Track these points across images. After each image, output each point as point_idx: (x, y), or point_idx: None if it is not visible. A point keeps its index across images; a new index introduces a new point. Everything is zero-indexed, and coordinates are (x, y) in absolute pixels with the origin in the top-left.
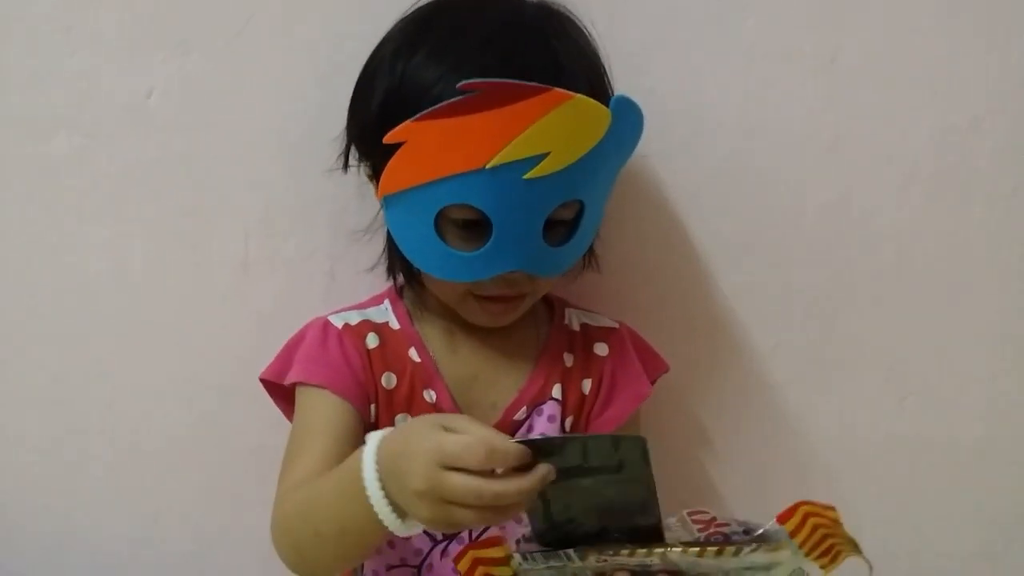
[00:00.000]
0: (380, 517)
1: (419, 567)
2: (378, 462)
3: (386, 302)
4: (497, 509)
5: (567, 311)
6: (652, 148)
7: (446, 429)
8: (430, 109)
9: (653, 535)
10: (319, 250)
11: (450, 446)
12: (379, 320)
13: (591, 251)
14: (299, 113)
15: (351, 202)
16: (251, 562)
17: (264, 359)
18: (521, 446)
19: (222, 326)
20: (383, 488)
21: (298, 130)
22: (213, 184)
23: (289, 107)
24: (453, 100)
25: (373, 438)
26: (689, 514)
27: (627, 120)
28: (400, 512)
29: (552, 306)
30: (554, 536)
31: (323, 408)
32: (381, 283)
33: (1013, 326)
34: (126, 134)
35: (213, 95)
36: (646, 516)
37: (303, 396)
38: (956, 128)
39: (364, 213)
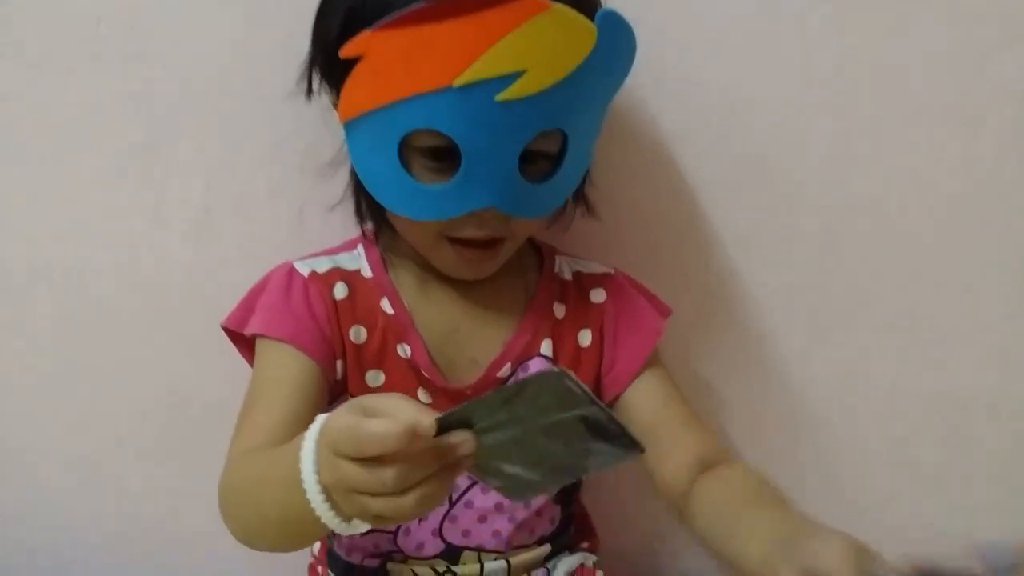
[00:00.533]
0: (317, 513)
1: (395, 531)
2: (317, 452)
3: (359, 247)
4: (411, 493)
5: (558, 259)
6: (644, 81)
7: (366, 412)
8: (393, 15)
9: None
10: (287, 189)
11: (332, 433)
12: (350, 267)
13: (583, 196)
14: (264, 37)
15: (322, 136)
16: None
17: (229, 306)
18: (389, 426)
19: (183, 273)
20: (320, 482)
21: (263, 56)
22: (170, 119)
23: (253, 31)
24: (416, 6)
25: (317, 423)
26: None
27: (615, 39)
28: (339, 508)
29: (541, 254)
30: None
31: (281, 363)
32: (355, 225)
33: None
34: (73, 67)
35: (169, 21)
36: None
37: (263, 349)
38: (964, 60)
39: (334, 148)
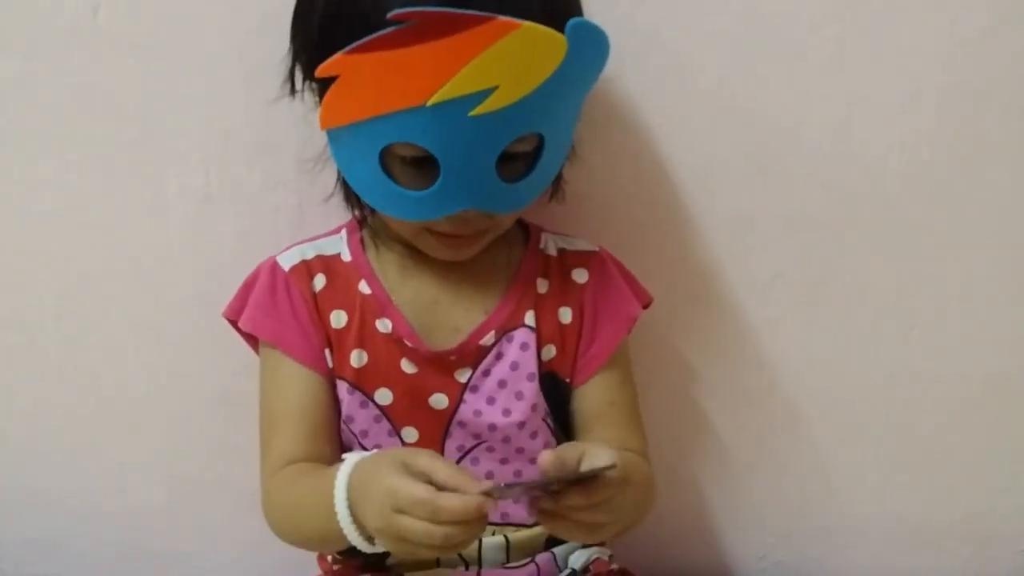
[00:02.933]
0: (352, 543)
1: None
2: (349, 490)
3: (343, 232)
4: (453, 543)
5: (543, 235)
6: (640, 67)
7: (407, 467)
8: (363, 41)
9: None
10: (286, 180)
11: (401, 498)
12: (331, 252)
13: (558, 178)
14: (261, 30)
15: (316, 128)
16: (224, 512)
17: (228, 297)
18: (467, 503)
19: (183, 265)
20: (352, 515)
21: (260, 49)
22: (169, 111)
23: (250, 24)
24: (386, 31)
25: (348, 462)
26: None
27: (587, 46)
28: (370, 536)
29: (527, 230)
30: None
31: (285, 380)
32: (350, 213)
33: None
34: (71, 57)
35: (167, 11)
36: None
37: (264, 356)
38: (965, 40)
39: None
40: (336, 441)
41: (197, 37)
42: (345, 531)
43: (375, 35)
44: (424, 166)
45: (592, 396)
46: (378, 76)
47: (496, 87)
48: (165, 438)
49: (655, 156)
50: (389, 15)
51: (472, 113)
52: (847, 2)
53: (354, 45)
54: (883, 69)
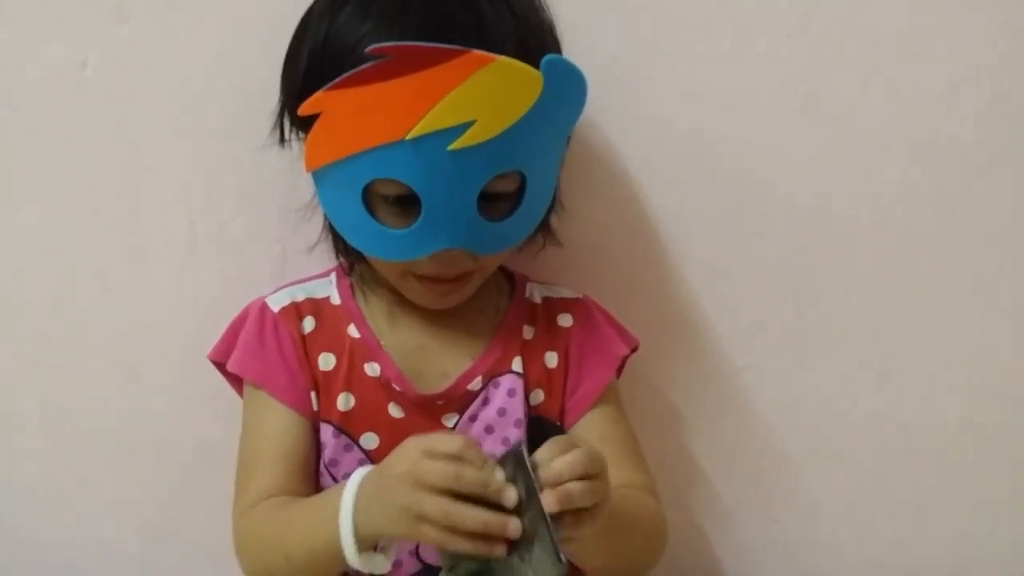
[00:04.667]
0: (345, 552)
1: None
2: (357, 497)
3: (332, 276)
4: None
5: (529, 285)
6: (615, 118)
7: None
8: (342, 77)
9: None
10: (268, 229)
11: (433, 439)
12: (321, 295)
13: (547, 225)
14: (244, 84)
15: (300, 177)
16: (201, 561)
17: (211, 344)
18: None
19: (167, 312)
20: (354, 522)
21: (242, 102)
22: (154, 161)
23: (233, 78)
24: (364, 67)
25: (358, 474)
26: None
27: (562, 83)
28: (361, 547)
29: (513, 280)
30: None
31: (270, 421)
32: (333, 261)
33: (997, 303)
34: (59, 107)
35: (153, 66)
36: None
37: (249, 397)
38: (933, 95)
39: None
40: (313, 486)
41: (181, 90)
42: (343, 535)
43: (354, 71)
44: (406, 205)
45: (582, 434)
46: (358, 112)
47: (474, 121)
48: (141, 484)
49: (634, 205)
50: (367, 49)
51: (451, 147)
52: (818, 57)
53: (334, 81)
54: (854, 122)
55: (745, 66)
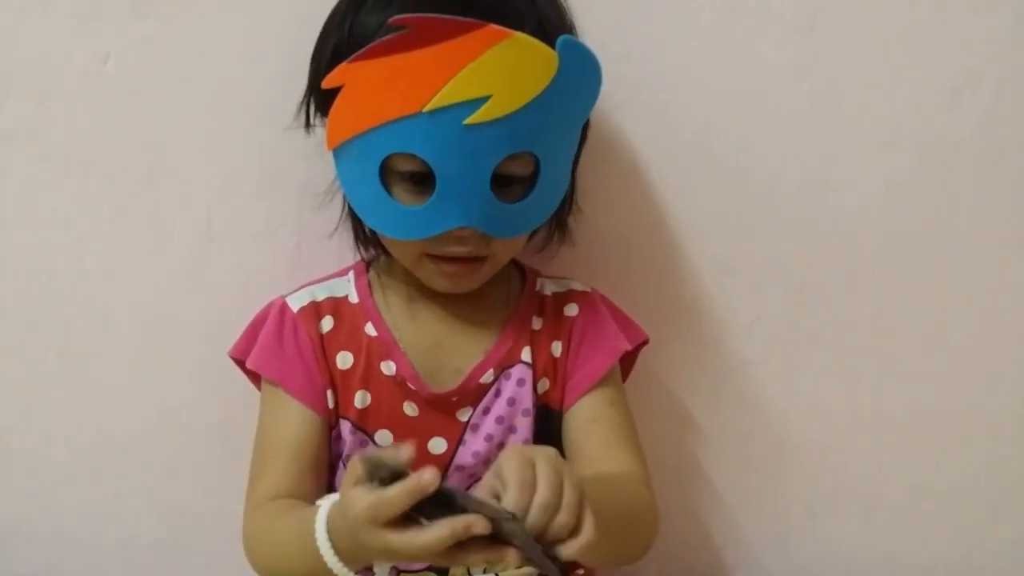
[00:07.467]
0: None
1: None
2: (329, 529)
3: (351, 273)
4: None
5: (539, 280)
6: (624, 117)
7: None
8: (365, 48)
9: None
10: (286, 220)
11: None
12: (340, 294)
13: (562, 222)
14: (263, 78)
15: (317, 170)
16: (221, 546)
17: (229, 335)
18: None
19: (185, 301)
20: (334, 548)
21: (262, 96)
22: (174, 153)
23: (252, 71)
24: (387, 37)
25: (324, 504)
26: None
27: (577, 64)
28: (355, 568)
29: (524, 274)
30: None
31: (284, 417)
32: (348, 254)
33: (1000, 301)
34: (82, 101)
35: (173, 60)
36: None
37: (266, 393)
38: (938, 96)
39: (330, 179)
40: (323, 483)
41: (201, 84)
42: (330, 565)
43: (376, 41)
44: (422, 183)
45: (577, 416)
46: (378, 84)
47: (490, 96)
48: (163, 472)
49: (641, 202)
50: (389, 21)
51: (466, 122)
52: (824, 57)
53: (359, 52)
54: (860, 121)
55: (751, 66)
